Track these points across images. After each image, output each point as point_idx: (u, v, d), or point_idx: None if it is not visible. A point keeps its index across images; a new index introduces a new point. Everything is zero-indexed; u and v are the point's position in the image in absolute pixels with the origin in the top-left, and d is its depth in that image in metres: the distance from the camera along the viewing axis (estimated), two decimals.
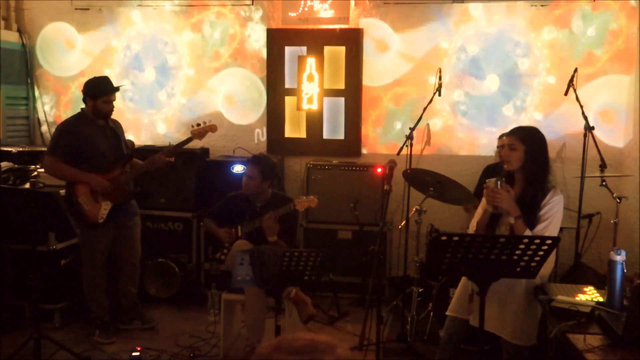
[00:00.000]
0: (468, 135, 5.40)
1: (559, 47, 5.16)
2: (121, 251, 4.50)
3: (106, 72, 5.81)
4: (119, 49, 5.94)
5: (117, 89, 4.42)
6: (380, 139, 5.58)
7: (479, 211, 3.26)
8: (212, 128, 4.43)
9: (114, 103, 4.41)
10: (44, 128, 6.16)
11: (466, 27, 5.30)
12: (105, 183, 4.22)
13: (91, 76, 4.49)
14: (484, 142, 5.37)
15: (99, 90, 4.29)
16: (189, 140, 4.40)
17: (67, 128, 4.29)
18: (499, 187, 3.01)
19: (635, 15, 5.00)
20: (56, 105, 6.15)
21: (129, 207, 4.48)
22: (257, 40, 5.69)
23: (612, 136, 5.15)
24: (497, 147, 4.78)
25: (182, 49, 5.82)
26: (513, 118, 5.28)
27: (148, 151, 4.85)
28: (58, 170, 4.27)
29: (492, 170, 4.52)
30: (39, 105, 6.15)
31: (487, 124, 5.35)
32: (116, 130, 4.45)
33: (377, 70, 5.51)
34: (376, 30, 5.47)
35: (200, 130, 4.40)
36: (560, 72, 5.12)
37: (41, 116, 6.15)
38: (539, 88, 5.22)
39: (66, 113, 5.95)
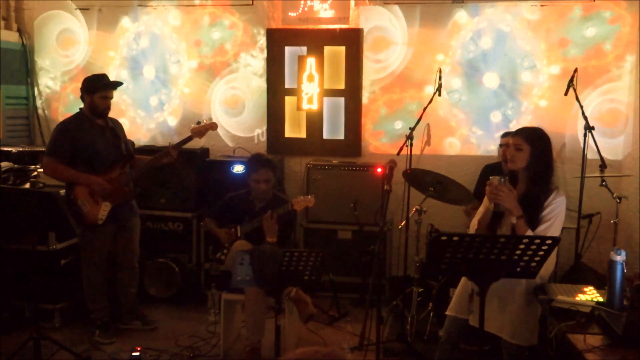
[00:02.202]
0: (468, 134, 5.40)
1: (559, 47, 5.17)
2: (121, 251, 4.50)
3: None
4: (117, 49, 5.95)
5: (114, 85, 4.40)
6: (380, 139, 5.58)
7: (481, 210, 3.26)
8: (212, 126, 4.42)
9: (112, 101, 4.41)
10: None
11: (467, 28, 5.30)
12: (105, 184, 4.21)
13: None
14: (484, 142, 5.38)
15: (96, 85, 4.29)
16: (189, 138, 4.38)
17: (66, 128, 4.27)
18: (503, 184, 3.02)
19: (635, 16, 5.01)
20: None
21: (129, 208, 4.47)
22: (257, 40, 5.69)
23: (612, 136, 5.15)
24: (500, 145, 4.79)
25: (180, 48, 5.82)
26: (514, 117, 5.28)
27: (148, 151, 4.84)
28: (57, 172, 4.25)
29: (490, 170, 4.53)
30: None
31: (488, 124, 5.36)
32: (116, 130, 4.44)
33: (377, 69, 5.51)
34: (377, 27, 5.47)
35: (201, 128, 4.38)
36: (560, 73, 5.14)
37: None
38: (541, 88, 5.23)
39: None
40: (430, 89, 4.85)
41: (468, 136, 5.40)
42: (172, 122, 5.92)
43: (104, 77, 4.42)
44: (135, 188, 4.49)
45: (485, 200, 3.17)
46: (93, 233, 4.29)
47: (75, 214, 4.21)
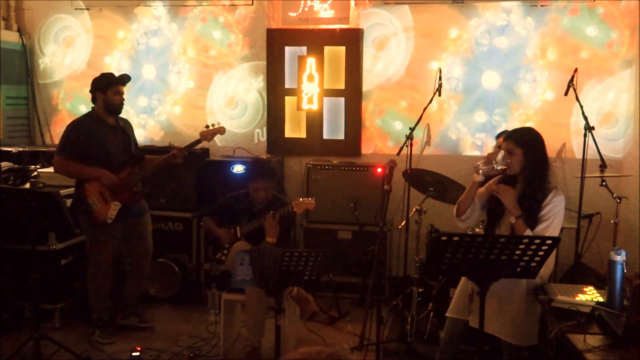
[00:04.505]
0: (468, 134, 5.40)
1: (561, 46, 5.17)
2: (132, 251, 4.51)
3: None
4: (117, 50, 5.95)
5: (125, 78, 4.44)
6: (380, 139, 5.58)
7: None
8: (221, 130, 4.45)
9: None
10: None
11: (468, 28, 5.30)
12: (113, 177, 4.23)
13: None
14: (484, 142, 5.38)
15: (109, 82, 4.34)
16: (197, 142, 4.43)
17: (77, 127, 4.31)
18: (501, 165, 3.06)
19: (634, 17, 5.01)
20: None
21: (138, 207, 4.48)
22: (257, 40, 5.69)
23: (612, 136, 5.15)
24: (496, 146, 4.79)
25: (179, 48, 5.82)
26: (514, 117, 5.28)
27: (149, 151, 4.84)
28: (66, 168, 4.28)
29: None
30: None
31: (488, 123, 5.36)
32: (126, 130, 4.47)
33: (377, 69, 5.51)
34: (377, 27, 5.47)
35: (209, 132, 4.41)
36: (561, 70, 5.14)
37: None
38: (541, 87, 5.23)
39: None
40: (430, 89, 4.84)
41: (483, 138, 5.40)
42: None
43: (113, 74, 4.48)
44: (144, 188, 4.51)
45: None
46: (102, 232, 4.31)
47: (85, 212, 4.23)
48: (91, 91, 4.37)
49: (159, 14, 5.83)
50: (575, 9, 5.11)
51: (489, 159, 3.11)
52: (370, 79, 5.52)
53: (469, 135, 5.40)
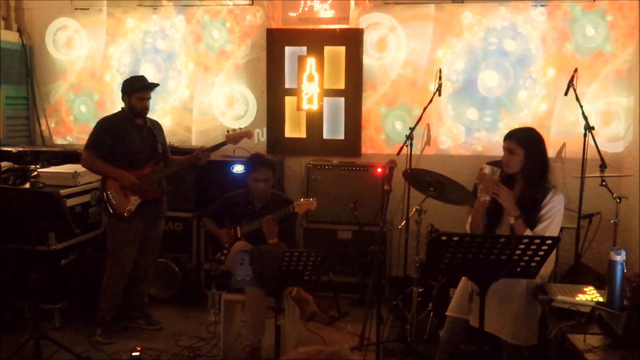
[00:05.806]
0: (468, 135, 5.40)
1: (561, 45, 5.17)
2: (142, 248, 4.52)
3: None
4: (116, 50, 5.95)
5: (150, 86, 4.48)
6: (381, 139, 5.58)
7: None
8: (248, 134, 4.45)
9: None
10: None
11: (469, 28, 5.30)
12: (133, 180, 4.31)
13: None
14: (484, 142, 5.38)
15: (134, 87, 4.41)
16: (222, 144, 4.46)
17: (106, 125, 4.41)
18: (496, 176, 3.06)
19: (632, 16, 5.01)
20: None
21: (159, 206, 4.54)
22: (256, 40, 5.69)
23: (612, 136, 5.15)
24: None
25: (179, 46, 5.82)
26: (514, 118, 5.28)
27: (173, 152, 4.87)
28: (92, 164, 4.40)
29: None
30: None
31: (489, 124, 5.36)
32: (153, 130, 4.53)
33: (377, 69, 5.51)
34: (377, 28, 5.47)
35: (235, 135, 4.42)
36: (561, 69, 5.14)
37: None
38: (541, 85, 5.23)
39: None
40: (430, 89, 4.85)
41: (484, 139, 5.39)
42: None
43: (141, 79, 4.53)
44: (166, 187, 4.57)
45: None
46: (121, 225, 4.36)
47: (105, 205, 4.34)
48: (121, 92, 4.47)
49: (158, 14, 5.82)
50: (574, 9, 5.10)
51: (483, 179, 3.11)
52: (370, 78, 5.52)
53: (465, 134, 5.41)
